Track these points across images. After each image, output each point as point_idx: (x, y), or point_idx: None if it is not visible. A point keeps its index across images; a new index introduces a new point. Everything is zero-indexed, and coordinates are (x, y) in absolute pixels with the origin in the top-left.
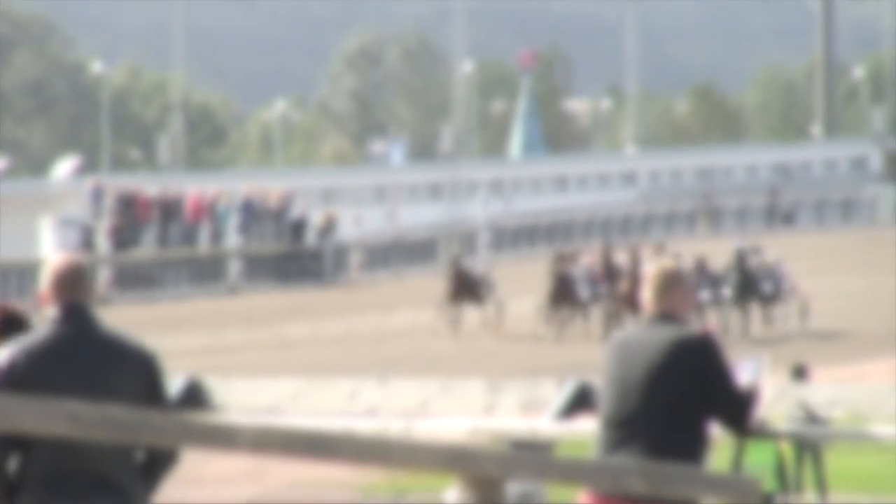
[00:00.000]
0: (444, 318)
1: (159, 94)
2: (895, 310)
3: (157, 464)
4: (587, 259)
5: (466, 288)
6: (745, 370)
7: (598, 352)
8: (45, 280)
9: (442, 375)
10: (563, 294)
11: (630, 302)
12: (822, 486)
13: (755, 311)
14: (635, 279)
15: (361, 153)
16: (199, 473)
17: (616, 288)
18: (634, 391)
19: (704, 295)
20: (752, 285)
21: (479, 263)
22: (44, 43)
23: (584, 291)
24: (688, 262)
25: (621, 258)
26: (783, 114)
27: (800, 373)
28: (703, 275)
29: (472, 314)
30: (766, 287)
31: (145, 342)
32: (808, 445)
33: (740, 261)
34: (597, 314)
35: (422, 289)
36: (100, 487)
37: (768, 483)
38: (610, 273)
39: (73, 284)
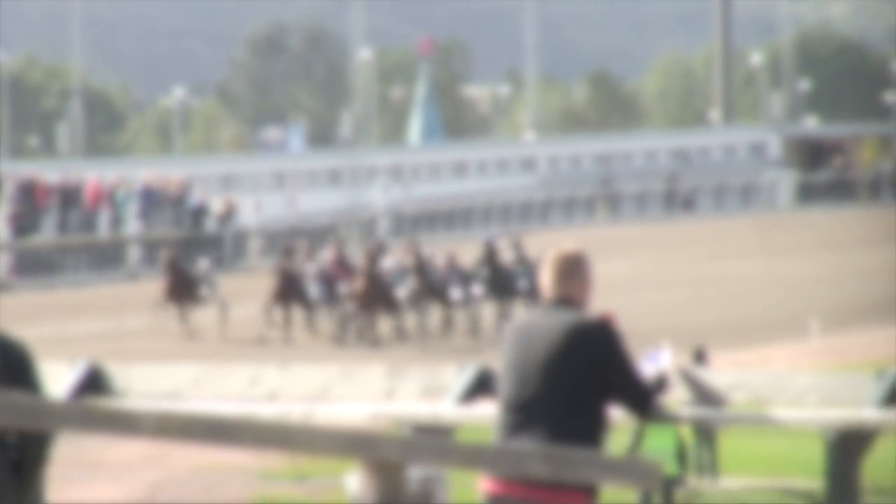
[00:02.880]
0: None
1: (58, 82)
2: (794, 294)
3: (29, 463)
4: (327, 256)
5: (184, 288)
6: (655, 358)
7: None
8: None
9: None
10: (288, 293)
11: (365, 302)
12: (713, 468)
13: (513, 308)
14: (371, 278)
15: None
16: (100, 458)
17: (351, 287)
18: (533, 376)
19: (455, 293)
20: (504, 281)
21: (201, 263)
22: None
23: (313, 290)
24: (440, 260)
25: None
26: (682, 100)
27: (699, 357)
28: (454, 272)
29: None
30: (522, 284)
31: (14, 332)
32: (704, 429)
33: (489, 256)
34: (330, 315)
35: None
36: None
37: (669, 467)
38: (346, 271)
39: None
